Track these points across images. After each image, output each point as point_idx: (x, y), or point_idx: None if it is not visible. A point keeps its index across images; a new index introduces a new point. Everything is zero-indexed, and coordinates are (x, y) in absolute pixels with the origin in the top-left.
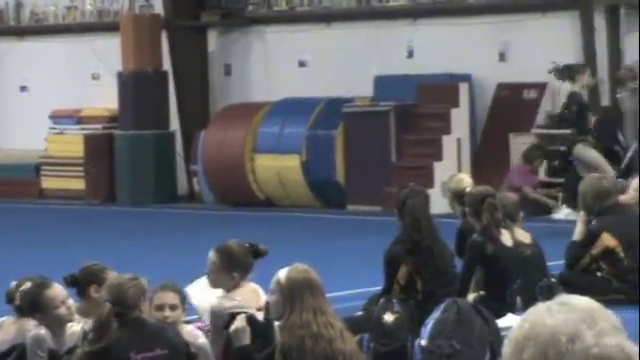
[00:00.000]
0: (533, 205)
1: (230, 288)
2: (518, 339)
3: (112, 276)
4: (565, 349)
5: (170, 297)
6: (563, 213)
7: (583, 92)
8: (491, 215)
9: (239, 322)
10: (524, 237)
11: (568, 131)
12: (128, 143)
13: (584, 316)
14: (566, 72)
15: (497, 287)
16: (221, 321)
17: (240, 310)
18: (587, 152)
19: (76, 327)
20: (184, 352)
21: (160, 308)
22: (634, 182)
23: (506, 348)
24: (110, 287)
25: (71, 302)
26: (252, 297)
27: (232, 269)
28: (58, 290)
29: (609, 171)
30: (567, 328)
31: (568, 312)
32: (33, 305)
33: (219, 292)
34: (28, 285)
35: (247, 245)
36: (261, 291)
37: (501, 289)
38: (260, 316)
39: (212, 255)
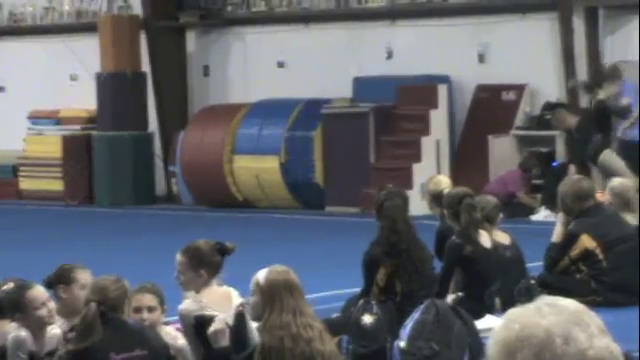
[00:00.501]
0: (519, 208)
1: (199, 288)
2: (508, 341)
3: (86, 276)
4: (560, 351)
5: (148, 299)
6: (542, 215)
7: (608, 100)
8: (469, 215)
9: (218, 324)
10: (503, 238)
11: (547, 133)
12: (106, 144)
13: (574, 318)
14: (594, 80)
15: (476, 288)
16: (189, 323)
17: (204, 313)
18: (614, 161)
19: (56, 329)
20: (164, 354)
21: (138, 310)
22: (610, 184)
23: (494, 351)
24: (95, 288)
25: (52, 304)
26: (222, 300)
27: (199, 267)
28: (39, 292)
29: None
30: (560, 329)
31: (559, 313)
32: (14, 306)
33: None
34: (10, 286)
35: (214, 243)
36: (235, 294)
37: (480, 290)
38: (231, 319)
39: (179, 256)
